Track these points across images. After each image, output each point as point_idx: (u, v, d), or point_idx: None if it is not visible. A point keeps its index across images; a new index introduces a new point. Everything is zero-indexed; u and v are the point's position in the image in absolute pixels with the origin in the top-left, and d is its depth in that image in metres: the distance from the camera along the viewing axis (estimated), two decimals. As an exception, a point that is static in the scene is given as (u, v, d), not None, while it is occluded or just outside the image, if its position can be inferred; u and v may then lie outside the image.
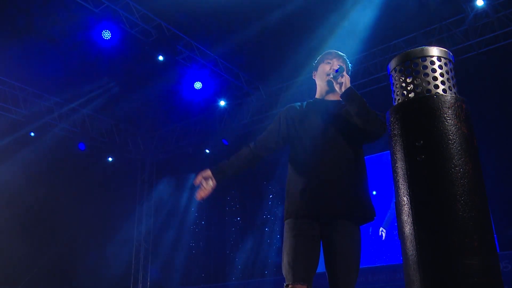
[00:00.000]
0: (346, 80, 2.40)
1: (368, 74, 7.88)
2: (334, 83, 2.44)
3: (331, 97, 2.55)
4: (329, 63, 2.54)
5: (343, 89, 2.38)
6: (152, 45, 7.18)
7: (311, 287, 2.21)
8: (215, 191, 2.49)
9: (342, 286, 2.24)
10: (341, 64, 2.51)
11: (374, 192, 8.39)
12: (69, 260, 8.83)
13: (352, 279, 2.25)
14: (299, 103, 2.61)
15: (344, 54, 2.61)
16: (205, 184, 2.44)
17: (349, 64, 2.61)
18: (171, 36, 7.24)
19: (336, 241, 2.28)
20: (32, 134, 8.81)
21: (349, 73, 2.57)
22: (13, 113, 8.46)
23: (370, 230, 8.00)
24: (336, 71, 2.43)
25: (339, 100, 2.48)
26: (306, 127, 2.46)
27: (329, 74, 2.48)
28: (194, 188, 2.41)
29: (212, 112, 9.45)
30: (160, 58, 7.26)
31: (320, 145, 2.39)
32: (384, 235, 7.37)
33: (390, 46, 7.53)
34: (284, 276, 2.24)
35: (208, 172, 2.46)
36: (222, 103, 9.05)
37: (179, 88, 8.65)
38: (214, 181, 2.45)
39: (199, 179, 2.44)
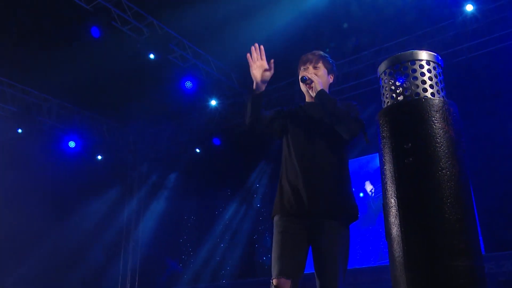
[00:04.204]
0: (315, 84, 2.48)
1: (360, 76, 7.92)
2: (305, 88, 2.57)
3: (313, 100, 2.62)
4: (304, 69, 2.62)
5: (315, 92, 2.47)
6: (144, 43, 7.15)
7: (297, 283, 2.23)
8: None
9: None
10: (310, 68, 2.58)
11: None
12: (55, 264, 8.71)
13: (337, 281, 2.25)
14: (294, 106, 2.70)
15: (319, 52, 2.65)
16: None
17: (329, 61, 2.66)
18: (163, 35, 7.22)
19: (321, 243, 2.31)
20: (20, 130, 8.72)
21: (333, 71, 2.65)
22: (0, 110, 8.38)
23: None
24: (303, 80, 2.54)
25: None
26: (293, 129, 2.55)
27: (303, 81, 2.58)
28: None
29: (203, 112, 9.43)
30: (152, 56, 7.22)
31: (302, 148, 2.47)
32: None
33: (381, 49, 7.57)
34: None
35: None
36: (214, 102, 9.03)
37: (170, 87, 8.62)
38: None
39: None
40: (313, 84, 2.49)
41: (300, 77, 2.57)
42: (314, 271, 2.32)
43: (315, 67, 2.59)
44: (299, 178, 2.39)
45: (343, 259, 2.31)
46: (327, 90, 2.59)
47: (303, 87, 2.60)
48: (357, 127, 2.41)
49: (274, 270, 2.25)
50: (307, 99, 2.64)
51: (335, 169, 2.43)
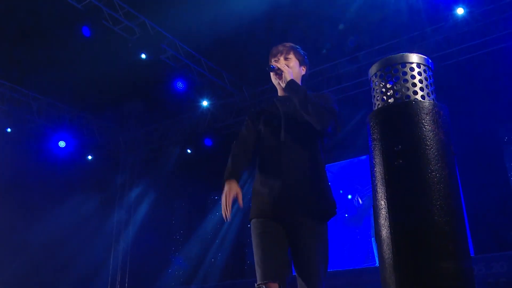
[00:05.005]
0: (285, 74, 2.39)
1: (352, 78, 7.95)
2: (276, 80, 2.47)
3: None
4: (275, 61, 2.51)
5: (284, 83, 2.39)
6: (136, 43, 7.12)
7: (285, 283, 2.16)
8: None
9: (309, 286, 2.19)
10: (281, 60, 2.49)
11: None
12: (43, 265, 8.63)
13: (318, 281, 2.19)
14: (269, 103, 2.64)
15: (290, 44, 2.57)
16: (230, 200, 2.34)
17: (301, 52, 2.57)
18: (155, 35, 7.19)
19: (300, 244, 2.24)
20: (9, 130, 8.63)
21: (305, 63, 2.56)
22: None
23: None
24: (271, 69, 2.45)
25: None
26: (265, 127, 2.45)
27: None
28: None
29: (194, 112, 9.41)
30: (143, 56, 7.19)
31: (274, 145, 2.37)
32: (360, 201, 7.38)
33: (372, 51, 7.61)
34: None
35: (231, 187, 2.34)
36: (205, 103, 9.02)
37: (162, 87, 8.59)
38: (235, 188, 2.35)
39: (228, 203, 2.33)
40: (283, 75, 2.40)
41: (267, 68, 2.46)
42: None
43: (286, 58, 2.50)
44: (273, 177, 2.32)
45: (323, 258, 2.24)
46: (299, 82, 2.51)
47: (273, 79, 2.50)
48: (329, 117, 2.29)
49: (259, 275, 2.17)
50: (279, 92, 2.55)
51: (309, 165, 2.33)
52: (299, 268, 2.23)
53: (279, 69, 2.42)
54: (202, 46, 7.70)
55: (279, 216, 2.26)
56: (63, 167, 9.39)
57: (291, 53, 2.52)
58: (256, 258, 2.22)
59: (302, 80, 2.57)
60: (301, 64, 2.55)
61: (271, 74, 2.49)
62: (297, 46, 2.58)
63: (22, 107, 8.55)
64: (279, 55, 2.52)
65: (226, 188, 2.33)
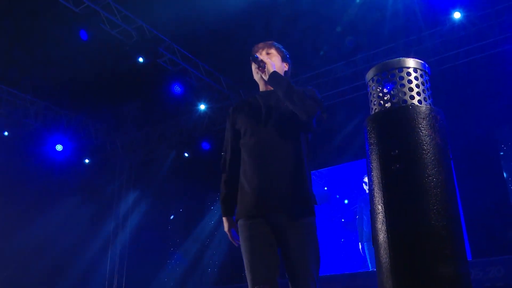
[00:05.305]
0: (268, 66, 2.38)
1: (349, 82, 7.97)
2: (259, 72, 2.45)
3: (268, 88, 2.49)
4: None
5: (267, 75, 2.37)
6: (133, 46, 7.12)
7: (277, 285, 2.13)
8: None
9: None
10: (263, 54, 2.49)
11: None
12: (39, 267, 8.59)
13: (310, 280, 2.14)
14: (248, 97, 2.59)
15: (271, 41, 2.57)
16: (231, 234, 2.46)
17: (283, 50, 2.56)
18: (153, 38, 7.19)
19: (289, 246, 2.19)
20: (6, 133, 8.61)
21: (286, 59, 2.56)
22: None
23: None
24: (254, 59, 2.42)
25: (272, 90, 2.44)
26: (246, 124, 2.41)
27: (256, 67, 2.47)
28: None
29: (192, 115, 9.41)
30: (141, 60, 7.19)
31: (256, 142, 2.33)
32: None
33: (369, 55, 7.63)
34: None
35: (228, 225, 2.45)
36: (203, 106, 9.02)
37: (159, 91, 8.59)
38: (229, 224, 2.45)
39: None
40: (266, 67, 2.37)
41: (251, 57, 2.43)
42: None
43: (268, 53, 2.50)
44: (255, 175, 2.26)
45: (314, 257, 2.19)
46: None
47: (255, 73, 2.48)
48: (314, 105, 2.27)
49: (249, 280, 2.14)
50: (261, 88, 2.53)
51: (291, 161, 2.27)
52: (291, 269, 2.18)
53: (262, 61, 2.40)
54: (199, 49, 7.71)
55: (263, 215, 2.22)
56: (60, 170, 9.37)
57: (273, 48, 2.53)
58: (245, 262, 2.20)
59: (285, 75, 2.54)
60: (283, 60, 2.55)
61: (253, 68, 2.48)
62: (279, 45, 2.58)
63: (19, 111, 8.53)
64: (260, 50, 2.52)
65: (224, 226, 2.46)
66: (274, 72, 2.36)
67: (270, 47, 2.53)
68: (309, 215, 2.25)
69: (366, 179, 7.02)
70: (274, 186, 2.23)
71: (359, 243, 6.90)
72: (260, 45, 2.55)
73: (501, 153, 7.60)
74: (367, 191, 6.96)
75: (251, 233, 2.21)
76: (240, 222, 2.30)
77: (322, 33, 6.89)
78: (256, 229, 2.21)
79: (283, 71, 2.53)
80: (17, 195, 8.48)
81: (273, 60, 2.46)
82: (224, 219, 2.43)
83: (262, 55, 2.48)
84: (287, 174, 2.25)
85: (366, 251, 6.73)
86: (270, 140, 2.31)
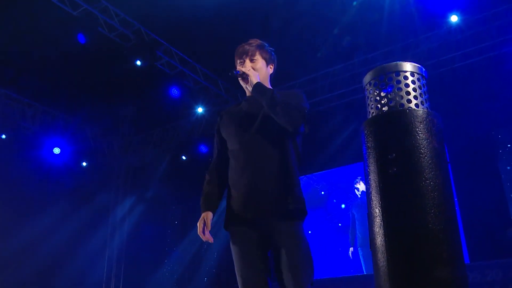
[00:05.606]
0: (250, 77, 2.35)
1: (346, 85, 7.98)
2: (244, 84, 2.43)
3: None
4: (240, 62, 2.48)
5: (251, 86, 2.35)
6: (131, 49, 7.12)
7: None
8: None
9: None
10: (247, 62, 2.45)
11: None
12: (36, 270, 8.55)
13: (304, 284, 2.12)
14: (236, 103, 2.60)
15: (256, 42, 2.52)
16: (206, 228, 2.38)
17: (268, 50, 2.52)
18: (150, 41, 7.20)
19: (278, 247, 2.18)
20: (3, 136, 8.59)
21: (271, 60, 2.53)
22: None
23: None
24: (235, 74, 2.40)
25: None
26: (233, 130, 2.41)
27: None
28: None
29: (190, 119, 9.41)
30: (138, 63, 7.19)
31: (243, 148, 2.32)
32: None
33: (366, 59, 7.65)
34: None
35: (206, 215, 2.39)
36: (200, 109, 9.02)
37: (157, 94, 8.59)
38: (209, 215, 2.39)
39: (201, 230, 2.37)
40: (249, 78, 2.35)
41: (230, 73, 2.41)
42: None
43: (252, 60, 2.45)
44: (241, 180, 2.26)
45: (307, 259, 2.17)
46: (267, 82, 2.48)
47: (240, 82, 2.45)
48: (299, 117, 2.24)
49: (240, 285, 2.16)
50: (247, 93, 2.51)
51: (278, 165, 2.26)
52: (283, 274, 2.15)
53: (244, 73, 2.38)
54: (197, 52, 7.72)
55: (251, 220, 2.22)
56: (57, 173, 9.35)
57: (257, 53, 2.48)
58: (236, 267, 2.20)
59: (270, 79, 2.54)
60: (268, 62, 2.52)
61: (238, 78, 2.45)
62: (264, 43, 2.54)
63: (16, 113, 8.52)
64: (244, 56, 2.47)
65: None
66: (257, 84, 2.33)
67: (254, 52, 2.47)
68: (297, 218, 2.24)
69: (357, 185, 7.02)
70: (261, 190, 2.22)
71: (350, 248, 6.87)
72: (245, 47, 2.48)
73: (499, 156, 7.61)
74: (359, 196, 6.97)
75: (240, 238, 2.23)
76: (229, 228, 2.30)
77: (321, 33, 6.90)
78: (244, 234, 2.22)
79: (268, 75, 2.52)
80: (14, 197, 8.45)
81: (257, 68, 2.44)
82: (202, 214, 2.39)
83: (245, 63, 2.44)
84: (273, 178, 2.24)
85: (361, 256, 6.71)
86: (255, 145, 2.30)
